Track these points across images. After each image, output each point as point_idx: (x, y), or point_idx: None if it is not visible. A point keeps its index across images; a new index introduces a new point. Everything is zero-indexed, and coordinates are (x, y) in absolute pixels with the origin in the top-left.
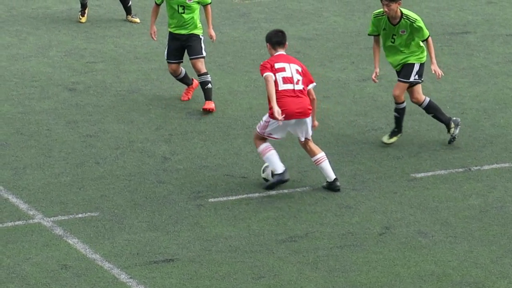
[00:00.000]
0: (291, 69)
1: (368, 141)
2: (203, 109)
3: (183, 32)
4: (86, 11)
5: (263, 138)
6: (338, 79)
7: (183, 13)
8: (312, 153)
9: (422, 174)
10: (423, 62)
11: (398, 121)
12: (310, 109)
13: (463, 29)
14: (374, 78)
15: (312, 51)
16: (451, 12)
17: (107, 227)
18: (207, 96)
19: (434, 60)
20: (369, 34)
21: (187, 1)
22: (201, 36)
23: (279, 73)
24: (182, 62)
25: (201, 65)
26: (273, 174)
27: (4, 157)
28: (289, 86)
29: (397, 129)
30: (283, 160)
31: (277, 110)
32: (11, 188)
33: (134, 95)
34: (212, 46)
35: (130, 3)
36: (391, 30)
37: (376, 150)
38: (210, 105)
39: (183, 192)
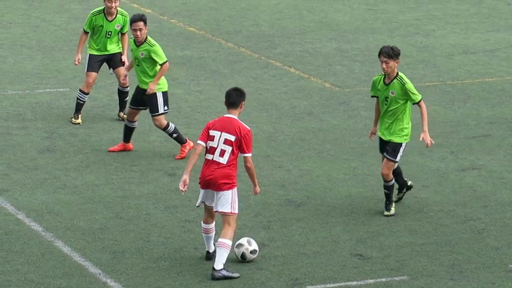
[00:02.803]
0: (220, 139)
1: (467, 231)
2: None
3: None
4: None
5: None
6: (438, 168)
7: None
8: (209, 221)
9: None
10: (407, 141)
11: (389, 196)
12: (223, 183)
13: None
14: (370, 137)
15: (411, 140)
16: None
17: None
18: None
19: (425, 128)
20: (371, 96)
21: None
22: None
23: (209, 142)
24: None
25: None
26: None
27: (103, 241)
28: (209, 157)
29: (388, 202)
30: (379, 245)
31: (183, 180)
32: (109, 272)
33: None
34: (311, 134)
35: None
36: (383, 91)
37: (474, 240)
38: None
39: (281, 279)
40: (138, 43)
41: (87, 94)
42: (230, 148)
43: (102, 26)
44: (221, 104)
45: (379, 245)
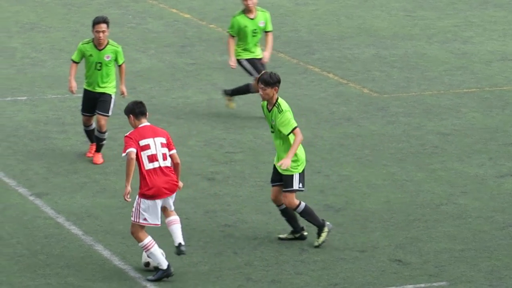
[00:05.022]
0: (156, 145)
1: (506, 237)
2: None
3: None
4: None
5: (143, 229)
6: (476, 174)
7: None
8: (168, 215)
9: None
10: (300, 172)
11: (290, 222)
12: (176, 184)
13: None
14: None
15: (450, 146)
16: None
17: None
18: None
19: (289, 155)
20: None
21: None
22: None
23: (144, 152)
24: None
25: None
26: (154, 267)
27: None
28: (155, 165)
29: (294, 229)
30: (418, 250)
31: (128, 191)
32: (149, 276)
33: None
34: (350, 139)
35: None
36: (268, 118)
37: None
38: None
39: (320, 283)
40: (101, 46)
41: None
42: (167, 150)
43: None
44: (259, 108)
45: (418, 250)
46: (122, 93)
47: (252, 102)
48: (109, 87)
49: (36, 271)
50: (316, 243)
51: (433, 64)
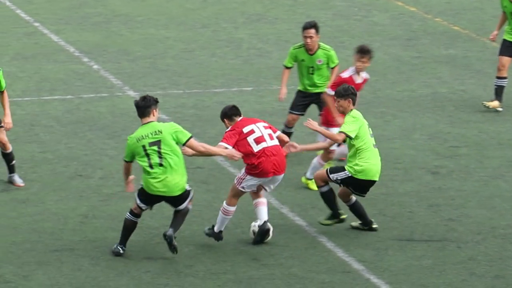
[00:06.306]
0: (259, 128)
1: None
2: None
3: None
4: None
5: (237, 197)
6: None
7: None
8: (258, 197)
9: None
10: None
11: (359, 217)
12: (284, 163)
13: None
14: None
15: None
16: None
17: None
18: None
19: (305, 146)
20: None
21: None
22: None
23: (250, 136)
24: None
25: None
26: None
27: (366, 237)
28: (263, 145)
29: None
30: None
31: (232, 152)
32: (372, 268)
33: (497, 181)
34: None
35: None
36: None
37: None
38: None
39: None
40: (311, 51)
41: None
42: (271, 131)
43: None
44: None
45: None
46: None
47: (477, 97)
48: (325, 86)
49: (260, 261)
50: (321, 220)
51: None
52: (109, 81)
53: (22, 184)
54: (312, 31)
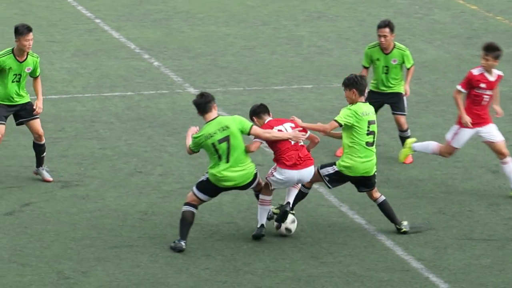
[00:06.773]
0: (287, 129)
1: None
2: None
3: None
4: None
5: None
6: None
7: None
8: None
9: None
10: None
11: (389, 217)
12: (310, 158)
13: None
14: None
15: None
16: None
17: None
18: None
19: (307, 125)
20: None
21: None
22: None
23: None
24: None
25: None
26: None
27: (425, 236)
28: (291, 143)
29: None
30: None
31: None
32: (431, 267)
33: None
34: None
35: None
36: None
37: None
38: None
39: None
40: (386, 50)
41: None
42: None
43: None
44: None
45: None
46: (405, 93)
47: None
48: (398, 86)
49: (319, 259)
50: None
51: None
52: (170, 78)
53: (51, 179)
54: (387, 30)
